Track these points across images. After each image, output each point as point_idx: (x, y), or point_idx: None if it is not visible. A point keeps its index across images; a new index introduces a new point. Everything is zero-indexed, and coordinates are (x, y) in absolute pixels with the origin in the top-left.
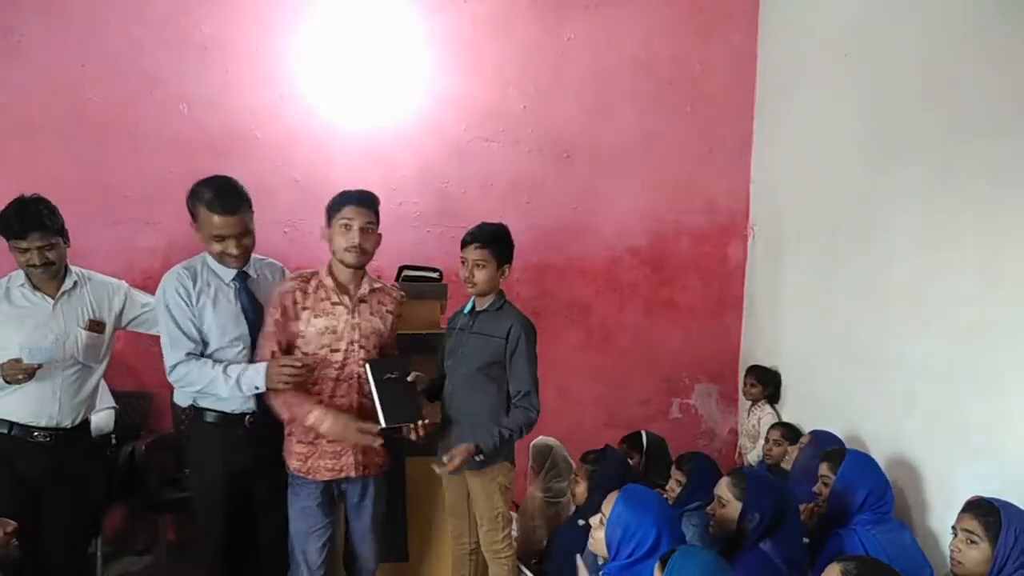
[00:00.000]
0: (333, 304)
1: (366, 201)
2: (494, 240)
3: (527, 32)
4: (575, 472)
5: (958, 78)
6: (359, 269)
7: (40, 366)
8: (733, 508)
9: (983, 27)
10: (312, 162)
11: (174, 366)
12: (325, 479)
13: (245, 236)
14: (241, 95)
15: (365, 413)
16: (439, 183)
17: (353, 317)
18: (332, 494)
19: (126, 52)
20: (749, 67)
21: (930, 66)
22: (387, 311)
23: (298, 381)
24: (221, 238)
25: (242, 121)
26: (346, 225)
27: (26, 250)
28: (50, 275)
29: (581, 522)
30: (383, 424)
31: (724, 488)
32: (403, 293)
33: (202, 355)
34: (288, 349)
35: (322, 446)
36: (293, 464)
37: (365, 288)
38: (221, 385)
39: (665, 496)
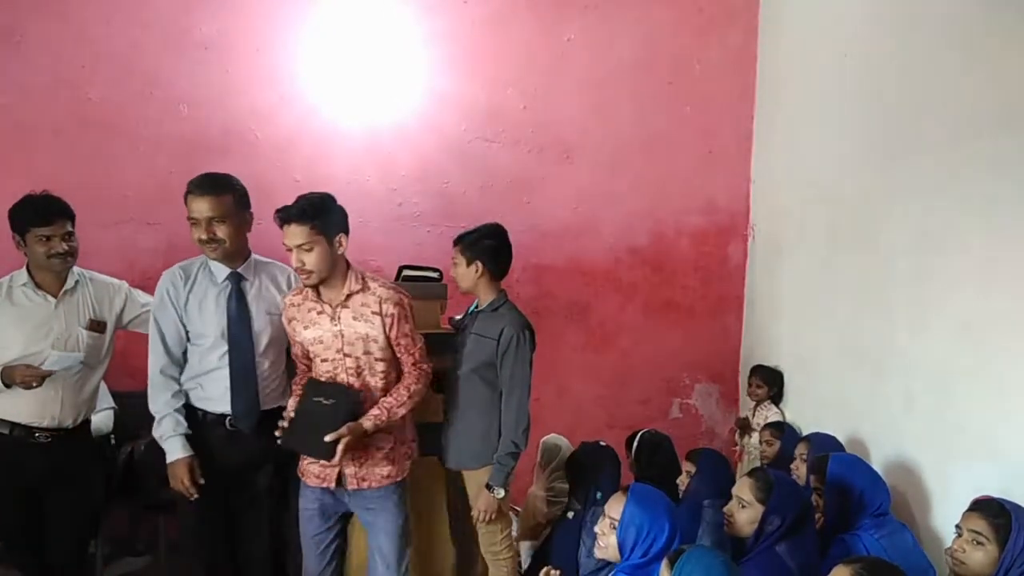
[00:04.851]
0: (318, 314)
1: (297, 217)
2: (461, 238)
3: (527, 32)
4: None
5: (957, 78)
6: (318, 285)
7: (52, 372)
8: (754, 511)
9: (983, 27)
10: (312, 162)
11: (150, 376)
12: (314, 485)
13: (219, 223)
14: (241, 95)
15: None
16: (439, 183)
17: (335, 325)
18: (331, 502)
19: (126, 52)
20: (749, 67)
21: (929, 66)
22: (372, 313)
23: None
24: (195, 222)
25: (242, 121)
26: (289, 248)
27: (49, 238)
28: (66, 267)
29: (571, 514)
30: (278, 440)
31: (746, 490)
32: (391, 291)
33: (181, 366)
34: (306, 358)
35: None
36: (300, 464)
37: (344, 293)
38: (157, 425)
39: (678, 488)
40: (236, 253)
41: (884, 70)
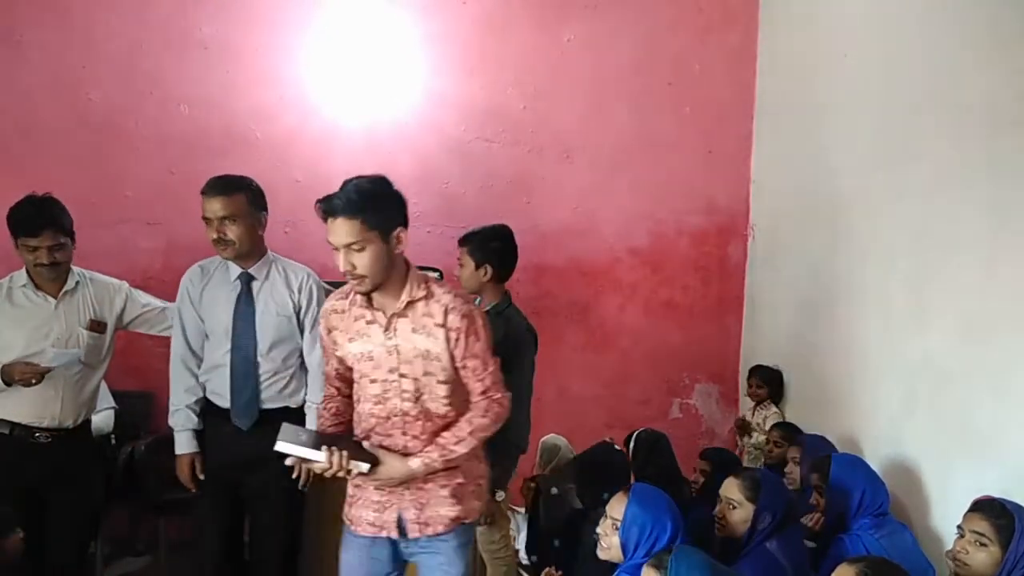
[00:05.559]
0: (368, 323)
1: (343, 209)
2: (469, 239)
3: (527, 32)
4: None
5: (958, 77)
6: (377, 288)
7: (50, 369)
8: (745, 510)
9: (983, 26)
10: (312, 162)
11: (171, 364)
12: (368, 534)
13: (230, 223)
14: (241, 95)
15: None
16: (439, 183)
17: (389, 339)
18: (387, 556)
19: (126, 52)
20: (749, 67)
21: (929, 65)
22: (435, 325)
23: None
24: (208, 221)
25: (242, 121)
26: (335, 247)
27: (35, 248)
28: (56, 275)
29: (554, 490)
30: (366, 471)
31: (735, 490)
32: (459, 299)
33: (201, 359)
34: (339, 379)
35: (367, 493)
36: (345, 508)
37: (404, 299)
38: (171, 415)
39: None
40: (248, 253)
41: (884, 70)
